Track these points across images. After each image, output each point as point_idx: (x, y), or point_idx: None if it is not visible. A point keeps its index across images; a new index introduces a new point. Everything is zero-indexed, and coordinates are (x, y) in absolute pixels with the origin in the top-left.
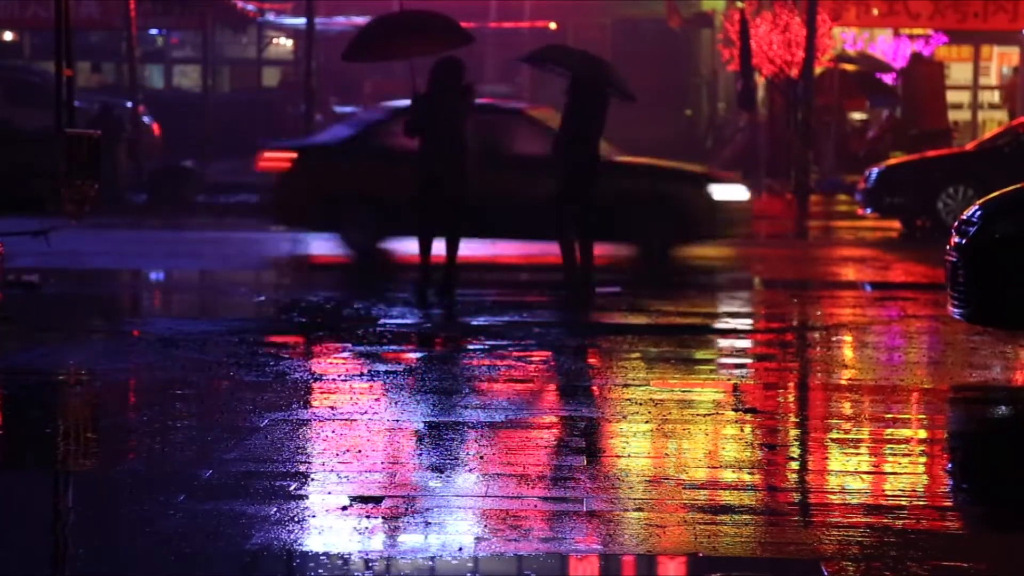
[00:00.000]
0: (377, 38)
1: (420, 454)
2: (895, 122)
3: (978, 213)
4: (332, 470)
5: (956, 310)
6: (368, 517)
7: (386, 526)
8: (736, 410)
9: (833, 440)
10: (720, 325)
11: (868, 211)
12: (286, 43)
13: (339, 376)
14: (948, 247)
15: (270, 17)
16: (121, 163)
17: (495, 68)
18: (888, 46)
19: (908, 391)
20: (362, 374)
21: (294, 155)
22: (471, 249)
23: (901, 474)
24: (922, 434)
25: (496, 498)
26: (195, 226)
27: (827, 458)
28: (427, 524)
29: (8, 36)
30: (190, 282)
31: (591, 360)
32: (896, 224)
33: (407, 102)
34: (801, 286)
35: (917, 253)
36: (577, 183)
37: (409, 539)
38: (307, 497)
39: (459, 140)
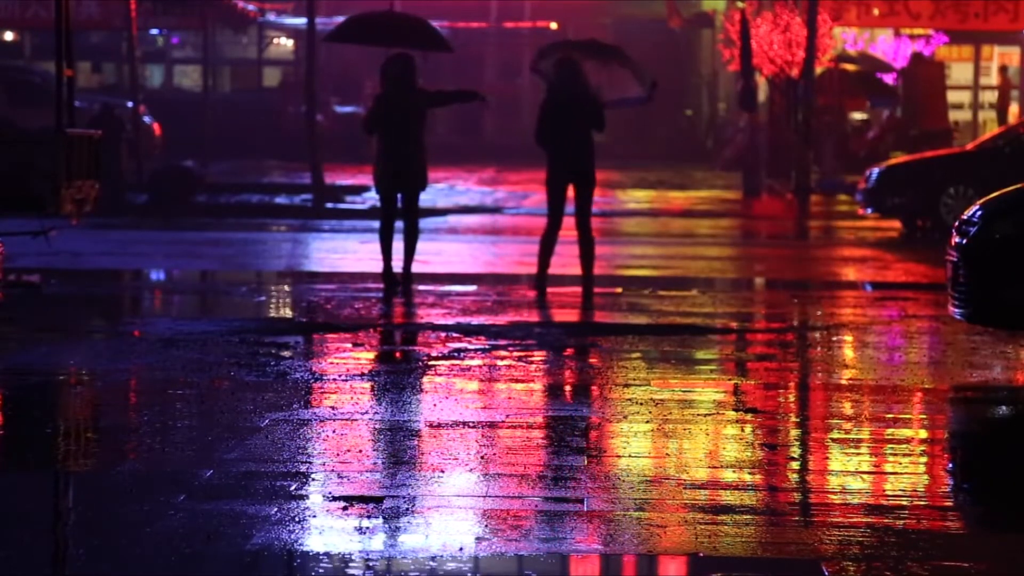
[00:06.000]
0: (359, 25)
1: (420, 454)
2: (896, 122)
3: (978, 213)
4: (332, 470)
5: (957, 310)
6: (368, 517)
7: (386, 526)
8: (737, 410)
9: (834, 440)
10: (720, 325)
11: (869, 211)
12: (286, 43)
13: (339, 376)
14: (948, 247)
15: (270, 17)
16: (122, 163)
17: (496, 68)
18: (889, 46)
19: (909, 391)
20: (362, 374)
21: None
22: (471, 249)
23: (902, 474)
24: (923, 434)
25: (496, 498)
26: (195, 226)
27: (828, 458)
28: (427, 524)
29: (8, 36)
30: (190, 282)
31: (591, 360)
32: (897, 224)
33: None
34: (801, 286)
35: (917, 253)
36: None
37: (409, 539)
38: (307, 497)
39: (414, 136)
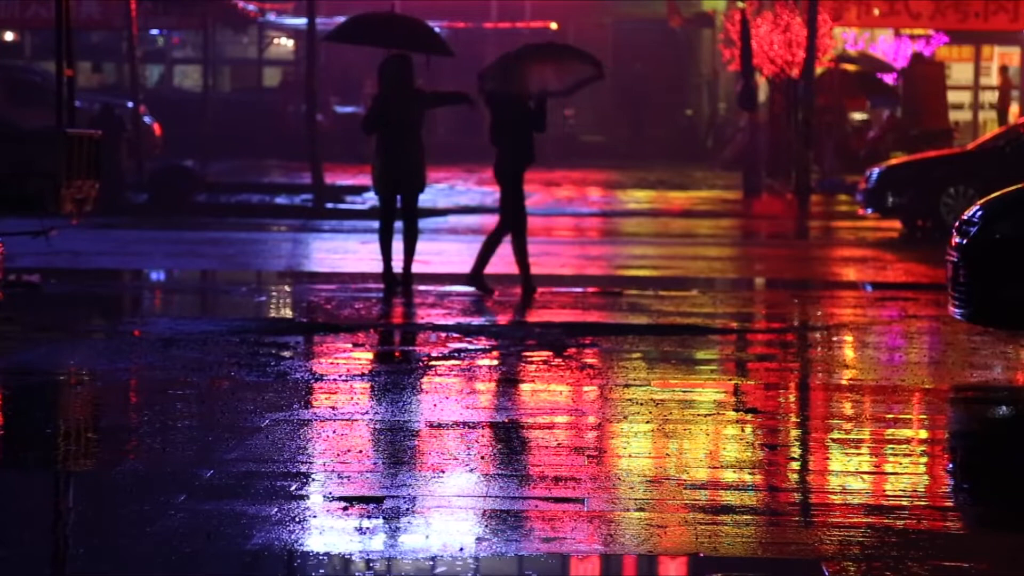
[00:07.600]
0: (360, 25)
1: (420, 454)
2: (896, 122)
3: (979, 213)
4: (332, 470)
5: (957, 310)
6: (368, 517)
7: (386, 526)
8: (737, 410)
9: (834, 440)
10: (720, 325)
11: (869, 211)
12: (287, 43)
13: (340, 376)
14: (949, 247)
15: (271, 17)
16: (122, 163)
17: None
18: (889, 46)
19: (909, 391)
20: (363, 374)
21: None
22: (471, 249)
23: (902, 474)
24: (923, 434)
25: (496, 498)
26: (195, 226)
27: (828, 458)
28: (427, 524)
29: (9, 36)
30: (190, 282)
31: (591, 360)
32: (897, 224)
33: None
34: (801, 286)
35: (918, 253)
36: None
37: (409, 539)
38: (307, 497)
39: (412, 136)
